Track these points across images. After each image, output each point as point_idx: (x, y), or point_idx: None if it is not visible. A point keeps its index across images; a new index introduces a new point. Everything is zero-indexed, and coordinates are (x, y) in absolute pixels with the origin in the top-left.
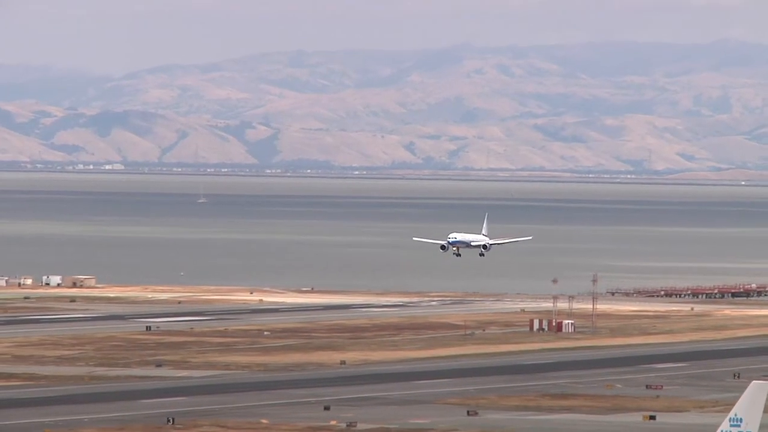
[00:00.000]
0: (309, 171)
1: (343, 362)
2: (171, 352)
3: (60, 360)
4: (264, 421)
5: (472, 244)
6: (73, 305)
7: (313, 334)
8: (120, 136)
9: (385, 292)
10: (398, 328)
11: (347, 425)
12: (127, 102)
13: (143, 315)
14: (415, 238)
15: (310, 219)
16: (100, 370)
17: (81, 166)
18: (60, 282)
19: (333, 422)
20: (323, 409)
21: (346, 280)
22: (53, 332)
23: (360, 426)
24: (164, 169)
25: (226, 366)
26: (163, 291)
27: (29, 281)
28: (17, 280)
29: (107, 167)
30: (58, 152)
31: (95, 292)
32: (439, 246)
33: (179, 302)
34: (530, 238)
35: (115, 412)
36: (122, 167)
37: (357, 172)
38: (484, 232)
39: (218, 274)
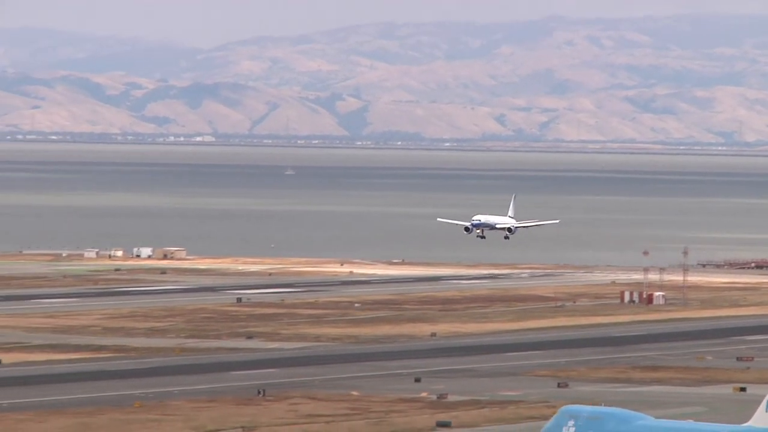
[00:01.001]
0: (399, 143)
1: (433, 334)
2: (261, 323)
3: (150, 332)
4: (354, 393)
5: (497, 226)
6: (163, 277)
7: (404, 306)
8: (210, 108)
9: (476, 264)
10: (489, 300)
11: (438, 397)
12: (218, 74)
13: (234, 287)
14: (439, 219)
15: (400, 191)
16: (191, 342)
17: (171, 138)
18: (151, 254)
19: (423, 394)
20: (414, 381)
21: (437, 252)
22: (144, 304)
23: (450, 398)
24: (254, 140)
25: (317, 338)
26: (253, 263)
27: (120, 253)
28: (108, 252)
29: (198, 139)
30: (149, 124)
31: (186, 264)
32: (463, 228)
33: (270, 274)
34: (557, 221)
35: (206, 384)
36: (212, 139)
37: (447, 144)
38: (510, 214)
39: (309, 245)
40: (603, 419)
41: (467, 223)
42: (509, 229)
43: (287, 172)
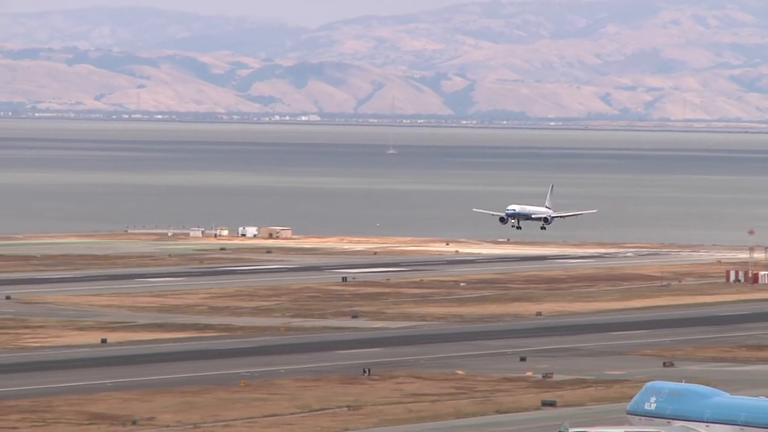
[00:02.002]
0: (504, 122)
1: (539, 313)
2: (367, 302)
3: (256, 311)
4: (460, 372)
5: (533, 216)
6: (269, 256)
7: (509, 285)
8: (316, 87)
9: (581, 243)
10: (594, 279)
11: (543, 376)
12: (323, 53)
13: (339, 266)
14: (475, 209)
15: (503, 170)
16: (296, 321)
17: (277, 118)
18: (256, 233)
19: (529, 373)
20: (519, 360)
21: (542, 231)
22: (249, 283)
23: (556, 377)
24: (360, 120)
25: (422, 317)
26: (359, 242)
27: (225, 232)
28: (213, 231)
29: (303, 118)
30: (254, 103)
31: (291, 243)
32: (498, 218)
33: (375, 253)
34: (595, 210)
35: (311, 362)
36: (318, 118)
37: (552, 124)
38: (547, 204)
39: (414, 225)
40: (682, 395)
41: (502, 213)
42: (545, 219)
43: (389, 152)
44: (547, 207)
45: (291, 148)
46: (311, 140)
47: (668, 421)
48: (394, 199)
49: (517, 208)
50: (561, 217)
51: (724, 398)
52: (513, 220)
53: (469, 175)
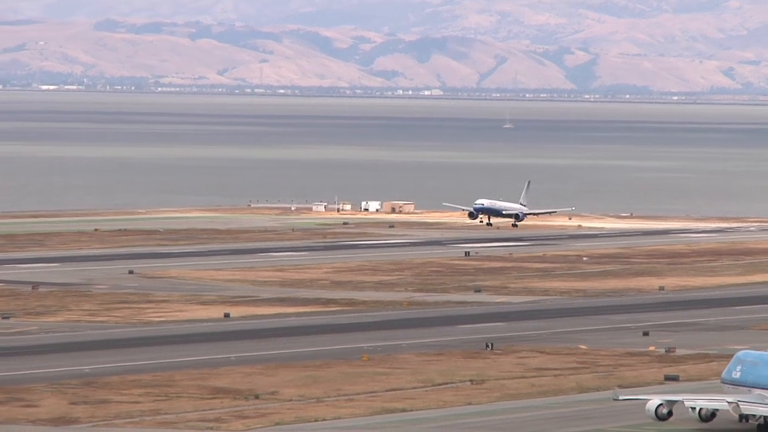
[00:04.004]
0: (627, 96)
1: (661, 288)
2: (490, 277)
3: (378, 285)
4: (582, 346)
5: (504, 212)
6: (391, 231)
7: (632, 260)
8: (438, 61)
9: (704, 218)
10: (717, 253)
11: (666, 350)
12: (446, 28)
13: (462, 240)
14: (444, 204)
15: (626, 144)
16: (419, 296)
17: (400, 92)
18: (379, 208)
19: (651, 348)
20: (642, 335)
21: (665, 205)
22: (372, 258)
23: (678, 351)
24: (482, 94)
25: (545, 291)
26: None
27: (348, 207)
28: (336, 206)
29: (425, 93)
30: (377, 78)
31: (414, 218)
32: (467, 213)
33: (498, 228)
34: (573, 208)
35: (434, 337)
36: (440, 93)
37: (675, 98)
38: (521, 200)
39: (537, 199)
40: (759, 364)
41: (471, 208)
42: (517, 216)
43: (506, 126)
44: (521, 204)
45: (413, 123)
46: (433, 114)
47: (749, 389)
48: (511, 173)
49: (485, 202)
50: (534, 214)
51: None
52: (482, 216)
53: (591, 149)
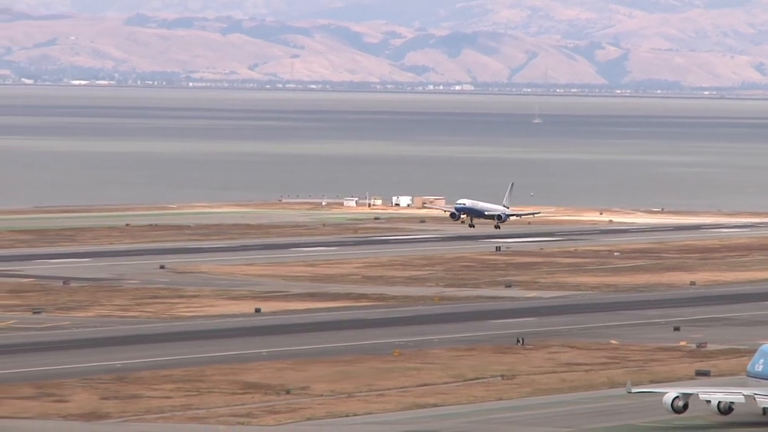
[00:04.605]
0: (659, 91)
1: (692, 283)
2: (520, 272)
3: (409, 280)
4: (613, 341)
5: (486, 213)
6: (422, 226)
7: (663, 255)
8: (469, 56)
9: (735, 213)
10: (748, 248)
11: (697, 346)
12: (477, 22)
13: (492, 236)
14: (425, 205)
15: (657, 139)
16: (450, 291)
17: (430, 87)
18: (410, 203)
19: (682, 343)
20: (673, 330)
21: (696, 201)
22: (403, 253)
23: (710, 347)
24: (513, 89)
25: (576, 286)
26: (514, 210)
27: (379, 202)
28: (367, 201)
29: (456, 88)
30: (408, 73)
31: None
32: (449, 214)
33: (528, 222)
34: (554, 209)
35: (465, 332)
36: (471, 88)
37: (707, 93)
38: (504, 202)
39: (567, 194)
40: None
41: (452, 209)
42: (499, 217)
43: (535, 121)
44: (504, 205)
45: (444, 118)
46: (463, 110)
47: None
48: (542, 168)
49: (467, 202)
50: (517, 215)
51: None
52: (464, 216)
53: (622, 144)
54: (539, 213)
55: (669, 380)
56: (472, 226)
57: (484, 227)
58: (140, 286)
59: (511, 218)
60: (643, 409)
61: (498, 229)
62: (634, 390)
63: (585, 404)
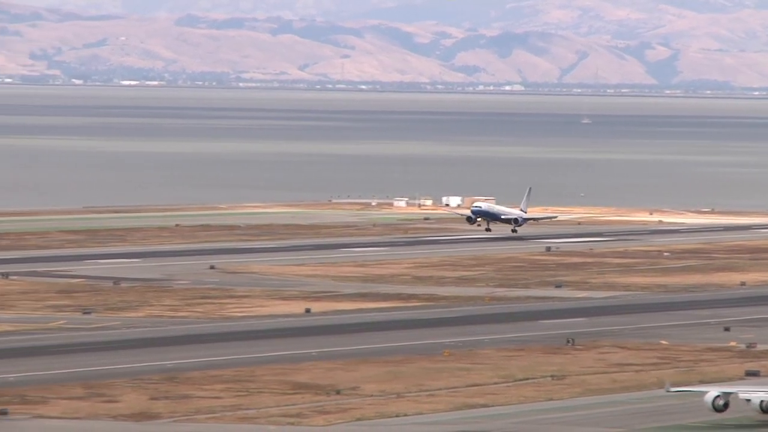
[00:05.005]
0: (708, 92)
1: (743, 283)
2: (571, 272)
3: (460, 281)
4: (663, 342)
5: (502, 217)
6: (472, 226)
7: (713, 255)
8: (520, 56)
9: None
10: None
11: (747, 346)
12: (527, 23)
13: (543, 236)
14: (441, 209)
15: (708, 139)
16: (500, 291)
17: (481, 87)
18: (460, 203)
19: (732, 343)
20: (723, 330)
21: (747, 201)
22: (453, 253)
23: (760, 347)
24: (563, 89)
25: (626, 287)
26: (562, 212)
27: (429, 202)
28: (417, 201)
29: (507, 88)
30: (458, 73)
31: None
32: (465, 218)
33: (579, 223)
34: (574, 216)
35: (515, 332)
36: (522, 88)
37: (757, 93)
38: (522, 207)
39: (617, 194)
40: None
41: (468, 212)
42: (516, 221)
43: (584, 121)
44: (521, 209)
45: (495, 118)
46: (513, 110)
47: None
48: (594, 168)
49: (483, 205)
50: (534, 219)
51: None
52: (480, 219)
53: (672, 144)
54: (556, 217)
55: (719, 380)
56: (488, 229)
57: (500, 229)
58: (190, 286)
59: (529, 221)
60: (693, 410)
61: (515, 233)
62: (673, 389)
63: (635, 404)
